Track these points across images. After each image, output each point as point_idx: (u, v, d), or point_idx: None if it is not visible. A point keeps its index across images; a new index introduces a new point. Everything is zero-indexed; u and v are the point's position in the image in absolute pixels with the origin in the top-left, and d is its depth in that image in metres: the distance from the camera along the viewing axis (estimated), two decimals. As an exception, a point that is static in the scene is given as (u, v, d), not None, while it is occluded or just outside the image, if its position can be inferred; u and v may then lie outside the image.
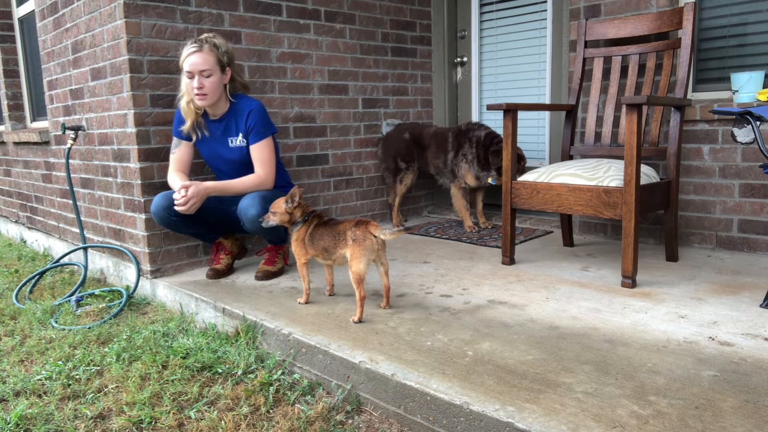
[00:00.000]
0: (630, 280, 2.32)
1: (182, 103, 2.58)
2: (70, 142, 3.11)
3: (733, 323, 1.92)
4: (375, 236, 2.07)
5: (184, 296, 2.59)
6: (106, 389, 1.95)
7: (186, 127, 2.61)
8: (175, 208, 2.45)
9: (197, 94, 2.49)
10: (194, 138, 2.65)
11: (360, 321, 2.07)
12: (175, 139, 2.67)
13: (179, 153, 2.66)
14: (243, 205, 2.50)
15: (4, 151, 4.67)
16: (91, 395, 1.91)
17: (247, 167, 2.66)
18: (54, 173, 3.77)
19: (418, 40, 3.99)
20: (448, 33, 4.05)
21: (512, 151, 2.67)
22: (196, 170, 2.91)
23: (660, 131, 2.75)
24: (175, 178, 2.62)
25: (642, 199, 2.33)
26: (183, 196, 2.42)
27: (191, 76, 2.47)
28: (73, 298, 2.80)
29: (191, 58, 2.44)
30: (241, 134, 2.63)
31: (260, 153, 2.61)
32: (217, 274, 2.74)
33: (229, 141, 2.65)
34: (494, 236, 3.37)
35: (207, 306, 2.44)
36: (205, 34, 2.53)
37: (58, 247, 3.89)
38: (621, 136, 2.84)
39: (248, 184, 2.58)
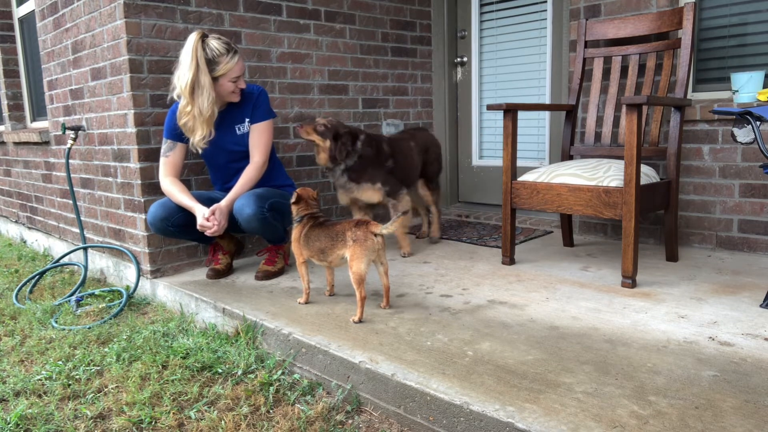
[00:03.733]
0: (630, 280, 2.32)
1: (207, 113, 2.49)
2: (70, 142, 3.11)
3: (733, 323, 1.92)
4: (376, 234, 2.06)
5: (184, 296, 2.59)
6: (106, 389, 1.95)
7: (204, 139, 2.55)
8: (207, 233, 2.46)
9: (239, 92, 2.58)
10: (208, 145, 2.61)
11: (360, 321, 2.07)
12: (168, 142, 2.61)
13: (174, 157, 2.62)
14: (238, 205, 2.51)
15: (4, 151, 4.67)
16: (91, 395, 1.91)
17: (248, 158, 2.66)
18: (54, 173, 3.77)
19: (418, 40, 3.99)
20: (448, 33, 4.05)
21: (512, 152, 2.66)
22: (195, 170, 2.91)
23: (660, 131, 2.75)
24: (174, 188, 2.57)
25: (642, 199, 2.33)
26: (216, 224, 2.44)
27: (237, 80, 2.52)
28: (73, 298, 2.80)
29: (240, 63, 2.52)
30: (247, 119, 2.64)
31: (260, 134, 2.62)
32: (217, 274, 2.74)
33: (237, 129, 2.65)
34: (494, 236, 3.37)
35: (207, 306, 2.44)
36: (217, 36, 2.49)
37: (58, 247, 3.89)
38: (621, 136, 2.84)
39: (252, 178, 2.59)
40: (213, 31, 2.86)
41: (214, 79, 2.47)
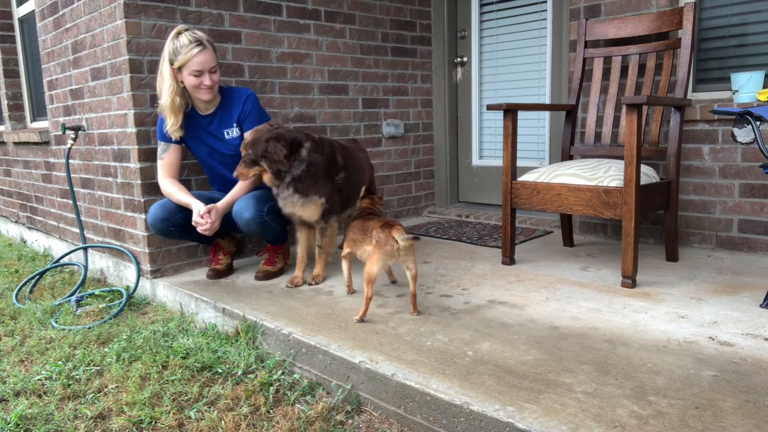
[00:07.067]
0: (630, 280, 2.32)
1: (167, 101, 2.49)
2: (70, 142, 3.11)
3: (733, 323, 1.92)
4: (396, 240, 2.04)
5: (184, 296, 2.59)
6: (106, 389, 1.95)
7: (172, 127, 2.54)
8: (199, 230, 2.46)
9: (206, 89, 2.51)
10: (182, 133, 2.59)
11: (362, 320, 2.07)
12: (162, 144, 2.63)
13: (168, 158, 2.63)
14: (237, 208, 2.52)
15: (4, 151, 4.67)
16: (91, 395, 1.91)
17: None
18: (54, 173, 3.77)
19: (418, 40, 3.99)
20: (448, 33, 4.05)
21: (512, 152, 2.66)
22: (196, 170, 2.91)
23: (660, 131, 2.75)
24: (172, 188, 2.59)
25: (642, 199, 2.33)
26: (209, 222, 2.44)
27: (199, 74, 2.47)
28: (73, 298, 2.80)
29: (200, 57, 2.44)
30: (235, 124, 2.63)
31: None
32: (217, 274, 2.74)
33: (225, 133, 2.65)
34: (494, 236, 3.37)
35: (207, 306, 2.44)
36: (194, 31, 2.49)
37: (58, 247, 3.89)
38: (621, 136, 2.84)
39: (250, 183, 2.59)
40: (212, 31, 2.87)
41: (179, 70, 2.48)
